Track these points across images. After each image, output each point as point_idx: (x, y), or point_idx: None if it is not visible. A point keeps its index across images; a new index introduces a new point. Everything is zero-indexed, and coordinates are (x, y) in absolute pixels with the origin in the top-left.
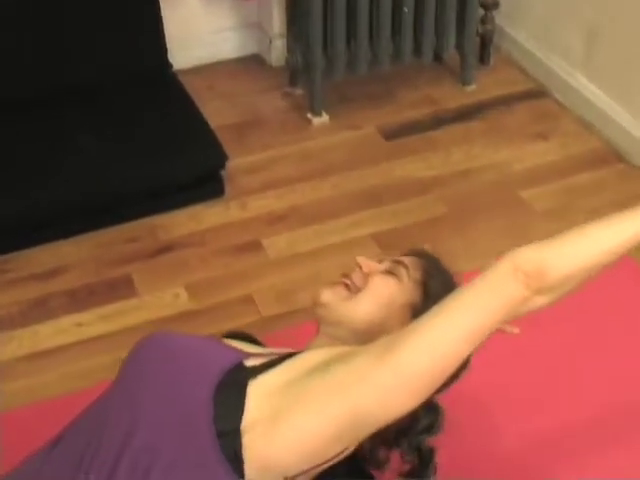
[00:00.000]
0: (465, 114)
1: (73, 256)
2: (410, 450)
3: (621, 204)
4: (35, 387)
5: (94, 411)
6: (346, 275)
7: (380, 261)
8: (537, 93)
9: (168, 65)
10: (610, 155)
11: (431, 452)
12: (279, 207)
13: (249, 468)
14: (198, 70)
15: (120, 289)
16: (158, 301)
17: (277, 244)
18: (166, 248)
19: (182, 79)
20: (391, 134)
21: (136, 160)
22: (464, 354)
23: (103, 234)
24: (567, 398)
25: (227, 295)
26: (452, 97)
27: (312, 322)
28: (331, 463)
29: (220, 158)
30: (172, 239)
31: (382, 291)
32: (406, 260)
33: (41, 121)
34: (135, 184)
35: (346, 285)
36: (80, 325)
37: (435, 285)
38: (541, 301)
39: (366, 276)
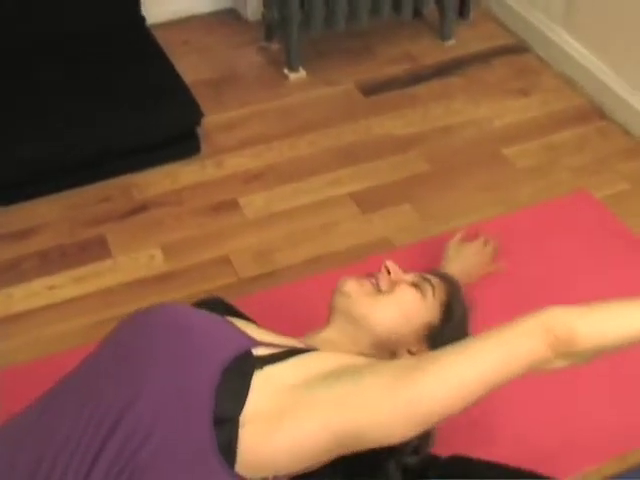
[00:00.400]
0: (444, 70)
1: (45, 217)
2: (396, 467)
3: (603, 161)
4: (6, 352)
5: (82, 379)
6: (372, 275)
7: (405, 272)
8: (517, 48)
9: (141, 19)
10: (592, 112)
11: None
12: (256, 165)
13: (241, 461)
14: (172, 24)
15: (93, 250)
16: (133, 262)
17: (254, 203)
18: (141, 208)
19: (156, 34)
20: (369, 90)
21: (109, 117)
22: (477, 397)
23: (76, 194)
24: None
25: (203, 256)
26: (431, 53)
27: (291, 284)
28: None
29: (195, 115)
30: (147, 198)
31: (407, 302)
32: (433, 279)
33: (10, 78)
34: (108, 142)
35: (371, 284)
36: (53, 288)
37: (457, 311)
38: (560, 364)
39: (393, 282)
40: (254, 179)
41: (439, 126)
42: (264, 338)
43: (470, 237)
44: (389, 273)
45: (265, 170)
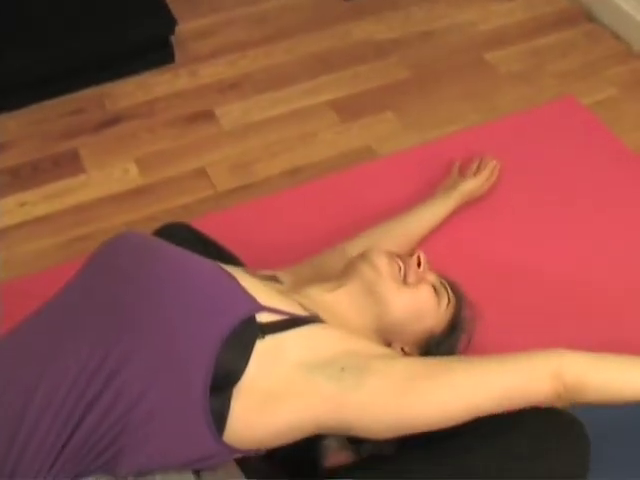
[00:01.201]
0: None
1: (15, 132)
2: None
3: (591, 66)
4: None
5: (73, 312)
6: (402, 260)
7: (431, 269)
8: None
9: None
10: (579, 15)
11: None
12: (231, 74)
13: (230, 431)
14: None
15: (66, 165)
16: (107, 177)
17: (230, 114)
18: (114, 120)
19: None
20: None
21: (79, 28)
22: (468, 416)
23: (46, 107)
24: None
25: (179, 169)
26: None
27: (270, 197)
28: None
29: (169, 22)
30: (120, 110)
31: (424, 303)
32: (450, 292)
33: None
34: (78, 52)
35: (399, 269)
36: (24, 205)
37: (460, 330)
38: (557, 404)
39: (419, 277)
40: (230, 88)
41: (421, 31)
42: (265, 299)
43: (467, 163)
44: (419, 265)
45: (241, 79)
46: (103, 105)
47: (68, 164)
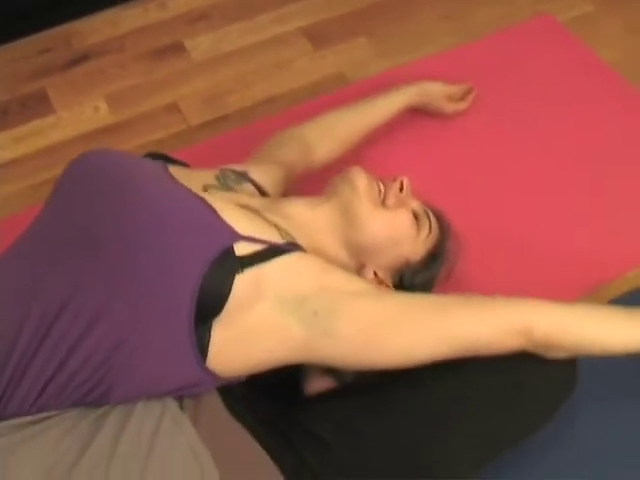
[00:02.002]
0: None
1: None
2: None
3: None
4: None
5: (42, 253)
6: (383, 182)
7: (414, 195)
8: None
9: None
10: None
11: None
12: (200, 4)
13: (210, 360)
14: None
15: (35, 107)
16: (77, 116)
17: (200, 46)
18: (82, 58)
19: None
20: None
21: None
22: (438, 359)
23: (11, 48)
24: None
25: (150, 104)
26: None
27: (244, 127)
28: None
29: None
30: (88, 47)
31: (402, 228)
32: (433, 220)
33: None
34: None
35: (379, 191)
36: None
37: (439, 264)
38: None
39: (399, 201)
40: (199, 20)
41: None
42: (243, 227)
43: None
44: (400, 190)
45: (210, 10)
46: (70, 43)
47: (37, 105)
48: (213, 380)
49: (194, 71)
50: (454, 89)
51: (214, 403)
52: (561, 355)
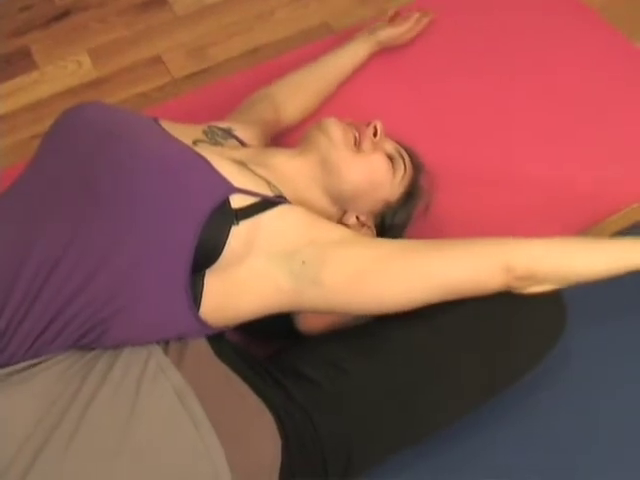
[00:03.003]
0: None
1: None
2: None
3: None
4: None
5: (37, 205)
6: (356, 128)
7: (387, 137)
8: None
9: None
10: None
11: None
12: None
13: (202, 309)
14: None
15: (18, 63)
16: (60, 71)
17: None
18: (63, 13)
19: None
20: None
21: None
22: (424, 303)
23: None
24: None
25: (134, 57)
26: None
27: (229, 78)
28: None
29: None
30: (69, 3)
31: (379, 171)
32: (407, 160)
33: None
34: None
35: (354, 137)
36: None
37: (416, 200)
38: (538, 289)
39: (374, 145)
40: None
41: None
42: (236, 180)
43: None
44: (375, 135)
45: None
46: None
47: (20, 62)
48: (204, 328)
49: (177, 24)
50: (409, 24)
51: (200, 346)
52: (547, 287)
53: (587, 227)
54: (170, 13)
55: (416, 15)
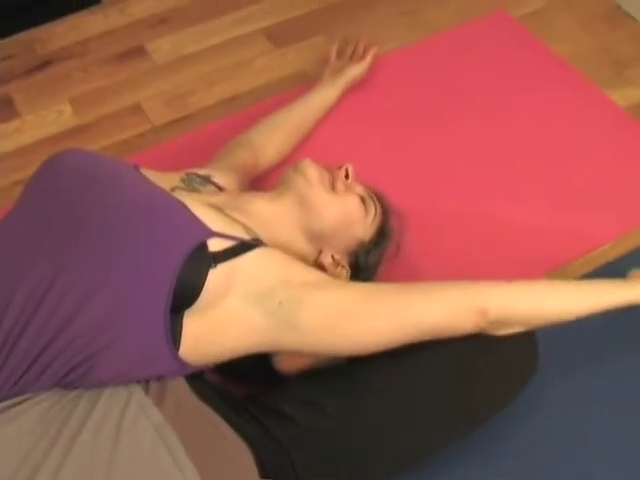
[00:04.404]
0: None
1: None
2: None
3: None
4: None
5: (19, 247)
6: (330, 171)
7: (358, 181)
8: None
9: None
10: None
11: None
12: (161, 8)
13: (182, 349)
14: None
15: (0, 112)
16: (42, 120)
17: (162, 48)
18: (45, 63)
19: None
20: None
21: None
22: (399, 344)
23: None
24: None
25: (114, 106)
26: None
27: (208, 126)
28: None
29: None
30: (51, 52)
31: (353, 211)
32: (377, 202)
33: None
34: None
35: (329, 179)
36: None
37: (387, 240)
38: (510, 331)
39: (347, 187)
40: (160, 23)
41: None
42: (214, 224)
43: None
44: (347, 177)
45: (171, 13)
46: (34, 49)
47: (2, 110)
48: (184, 368)
49: (156, 73)
50: (369, 60)
51: (180, 385)
52: (517, 329)
53: (558, 267)
54: (150, 62)
55: (373, 50)
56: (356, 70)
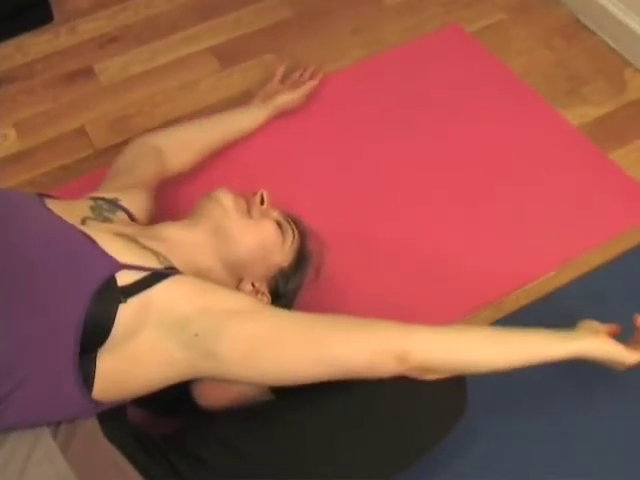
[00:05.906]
0: None
1: None
2: None
3: None
4: None
5: None
6: (245, 197)
7: (273, 206)
8: None
9: None
10: None
11: None
12: (111, 28)
13: (96, 388)
14: None
15: None
16: None
17: (110, 69)
18: None
19: None
20: None
21: None
22: (316, 381)
23: None
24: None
25: (58, 130)
26: None
27: None
28: None
29: None
30: None
31: (270, 236)
32: (294, 227)
33: None
34: None
35: (244, 205)
36: None
37: (307, 266)
38: (435, 377)
39: (263, 212)
40: (110, 43)
41: None
42: (123, 256)
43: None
44: (262, 203)
45: (121, 32)
46: None
47: None
48: (97, 407)
49: (102, 95)
50: (305, 90)
51: (91, 428)
52: (444, 376)
53: (494, 300)
54: (96, 84)
55: (312, 82)
56: (289, 97)
